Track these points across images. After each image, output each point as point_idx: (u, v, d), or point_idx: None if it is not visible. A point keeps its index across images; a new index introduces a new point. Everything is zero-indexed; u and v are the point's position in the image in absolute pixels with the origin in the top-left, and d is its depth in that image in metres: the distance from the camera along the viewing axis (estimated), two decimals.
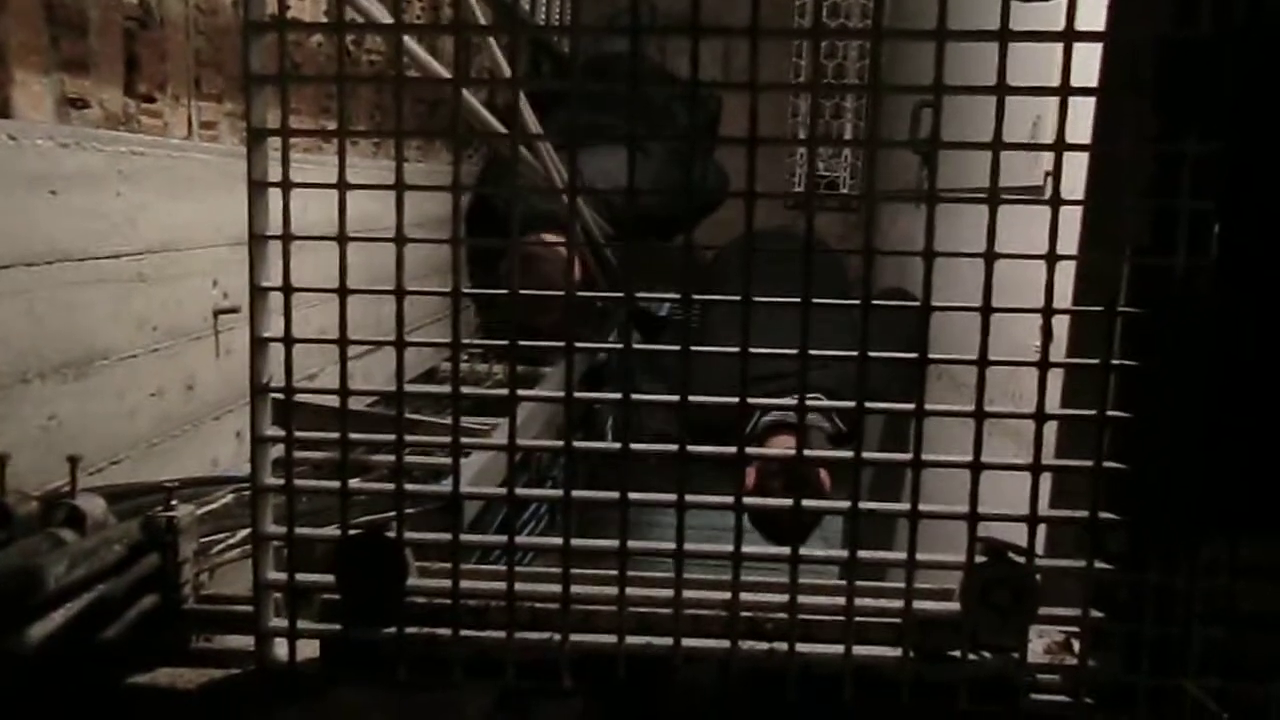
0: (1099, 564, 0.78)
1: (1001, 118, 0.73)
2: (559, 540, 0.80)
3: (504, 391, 0.80)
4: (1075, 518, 0.79)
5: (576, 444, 0.81)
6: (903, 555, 0.78)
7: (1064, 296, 1.17)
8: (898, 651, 0.80)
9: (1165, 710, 0.78)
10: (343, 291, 0.78)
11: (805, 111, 4.21)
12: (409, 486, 0.81)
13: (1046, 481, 0.78)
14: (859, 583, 0.80)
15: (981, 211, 0.74)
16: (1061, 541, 1.03)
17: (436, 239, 0.79)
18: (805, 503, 0.79)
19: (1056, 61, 0.74)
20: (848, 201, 4.34)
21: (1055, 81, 0.73)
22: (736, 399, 0.78)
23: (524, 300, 0.78)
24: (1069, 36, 0.73)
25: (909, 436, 0.81)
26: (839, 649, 0.79)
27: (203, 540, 0.93)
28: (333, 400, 0.81)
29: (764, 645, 0.82)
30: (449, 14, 2.81)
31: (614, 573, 0.80)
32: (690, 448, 0.78)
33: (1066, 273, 0.95)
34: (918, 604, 0.79)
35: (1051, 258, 0.75)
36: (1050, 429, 0.78)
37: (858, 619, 0.80)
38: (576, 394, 0.80)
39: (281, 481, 0.80)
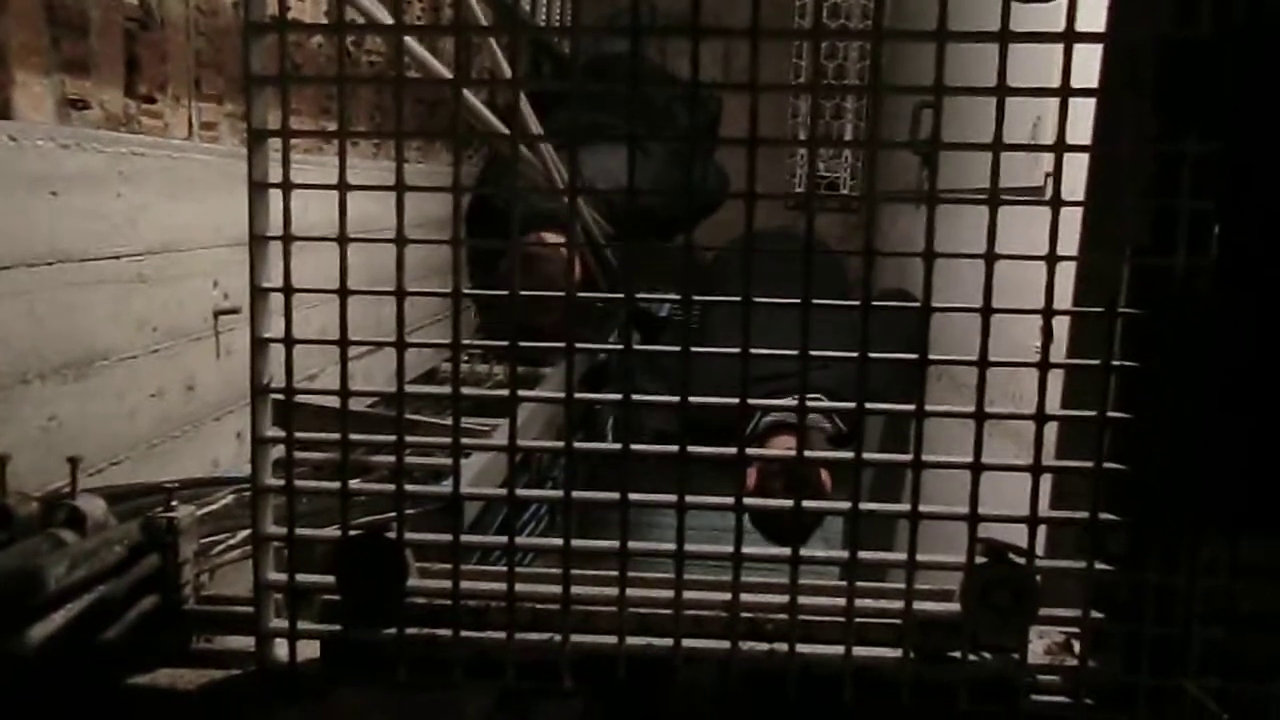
0: (1099, 565, 0.78)
1: (1002, 119, 0.73)
2: (559, 541, 0.80)
3: (504, 392, 0.80)
4: (1075, 519, 0.79)
5: (577, 445, 0.81)
6: (903, 556, 0.78)
7: (1064, 297, 1.17)
8: (898, 652, 0.80)
9: (1165, 710, 0.78)
10: (343, 292, 0.78)
11: (805, 112, 4.21)
12: (409, 487, 0.81)
13: (1046, 482, 0.78)
14: (859, 583, 0.80)
15: (982, 212, 0.74)
16: (1062, 542, 1.03)
17: (437, 240, 0.79)
18: (805, 503, 0.79)
19: (1057, 62, 0.74)
20: (848, 202, 4.34)
21: (1056, 82, 0.73)
22: (737, 399, 0.78)
23: (524, 301, 0.78)
24: (1069, 37, 0.73)
25: (909, 437, 0.81)
26: (839, 650, 0.79)
27: (203, 541, 0.93)
28: (333, 401, 0.81)
29: (764, 646, 0.82)
30: (449, 14, 2.82)
31: (614, 573, 0.80)
32: (690, 448, 0.78)
33: (1067, 273, 0.95)
34: (918, 605, 0.79)
35: (1052, 258, 0.75)
36: (1050, 430, 0.78)
37: (858, 620, 0.80)
38: (577, 395, 0.80)
39: (282, 482, 0.80)
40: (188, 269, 1.51)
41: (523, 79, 1.23)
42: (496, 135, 1.96)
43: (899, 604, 0.80)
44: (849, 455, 0.80)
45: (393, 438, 0.80)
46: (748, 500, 0.79)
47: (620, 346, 0.80)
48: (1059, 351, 1.22)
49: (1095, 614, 0.79)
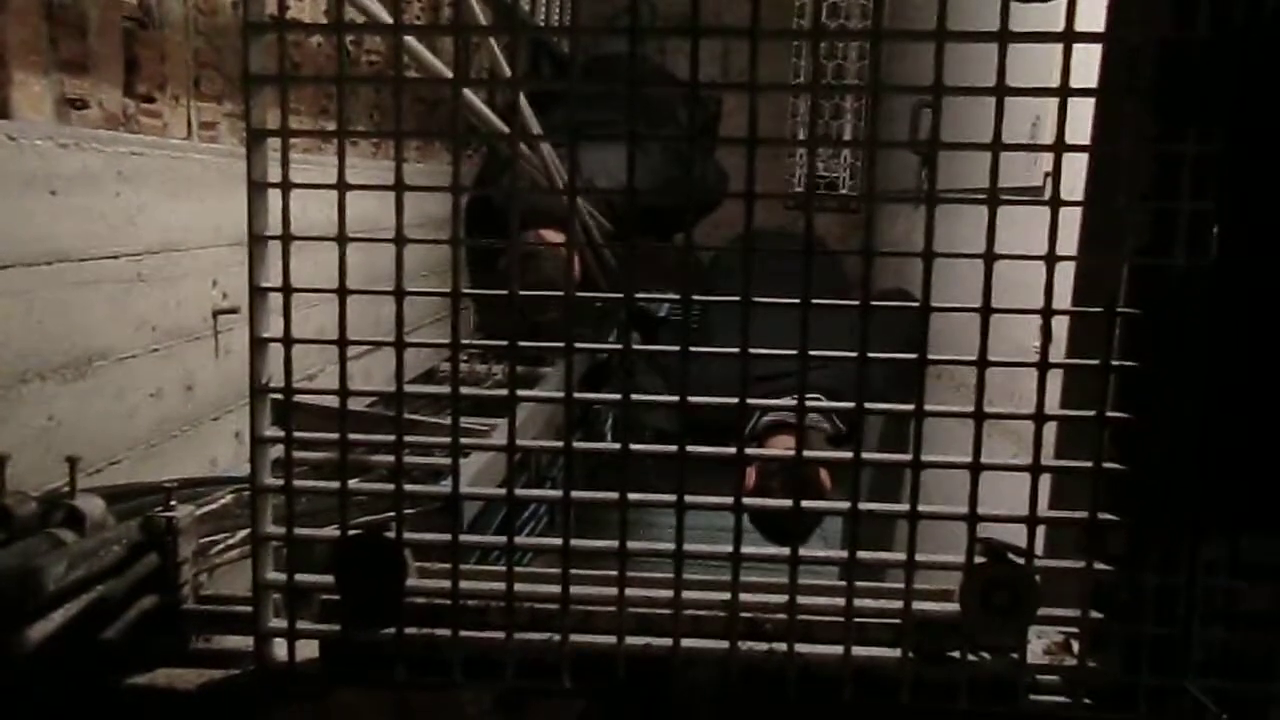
0: (1098, 565, 0.78)
1: (1001, 119, 0.73)
2: (558, 541, 0.80)
3: (503, 392, 0.80)
4: (1075, 519, 0.79)
5: (576, 444, 0.81)
6: (902, 556, 0.78)
7: (1063, 297, 1.17)
8: (897, 652, 0.80)
9: (1165, 710, 0.78)
10: (342, 292, 0.78)
11: (805, 112, 4.21)
12: (408, 487, 0.81)
13: (1046, 482, 0.78)
14: (858, 583, 0.80)
15: (981, 212, 0.74)
16: (1061, 542, 1.03)
17: (436, 239, 0.79)
18: (805, 503, 0.79)
19: (1056, 62, 0.74)
20: (847, 202, 4.34)
21: (1055, 82, 0.73)
22: (736, 399, 0.78)
23: (524, 301, 0.78)
24: (1069, 37, 0.73)
25: (909, 437, 0.81)
26: (839, 650, 0.79)
27: (202, 541, 0.93)
28: (332, 400, 0.81)
29: (764, 646, 0.82)
30: (449, 14, 2.81)
31: (613, 573, 0.80)
32: (690, 448, 0.78)
33: (1066, 274, 0.95)
34: (917, 605, 0.79)
35: (1051, 258, 0.75)
36: (1050, 430, 0.78)
37: (857, 620, 0.80)
38: (576, 394, 0.80)
39: (281, 482, 0.80)
40: (187, 268, 1.51)
41: (522, 79, 1.23)
42: (496, 135, 1.95)
43: (898, 604, 0.80)
44: (848, 455, 0.80)
45: (392, 437, 0.79)
46: (747, 500, 0.79)
47: (620, 346, 0.80)
48: (1058, 351, 1.22)
49: (1095, 614, 0.79)
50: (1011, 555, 0.77)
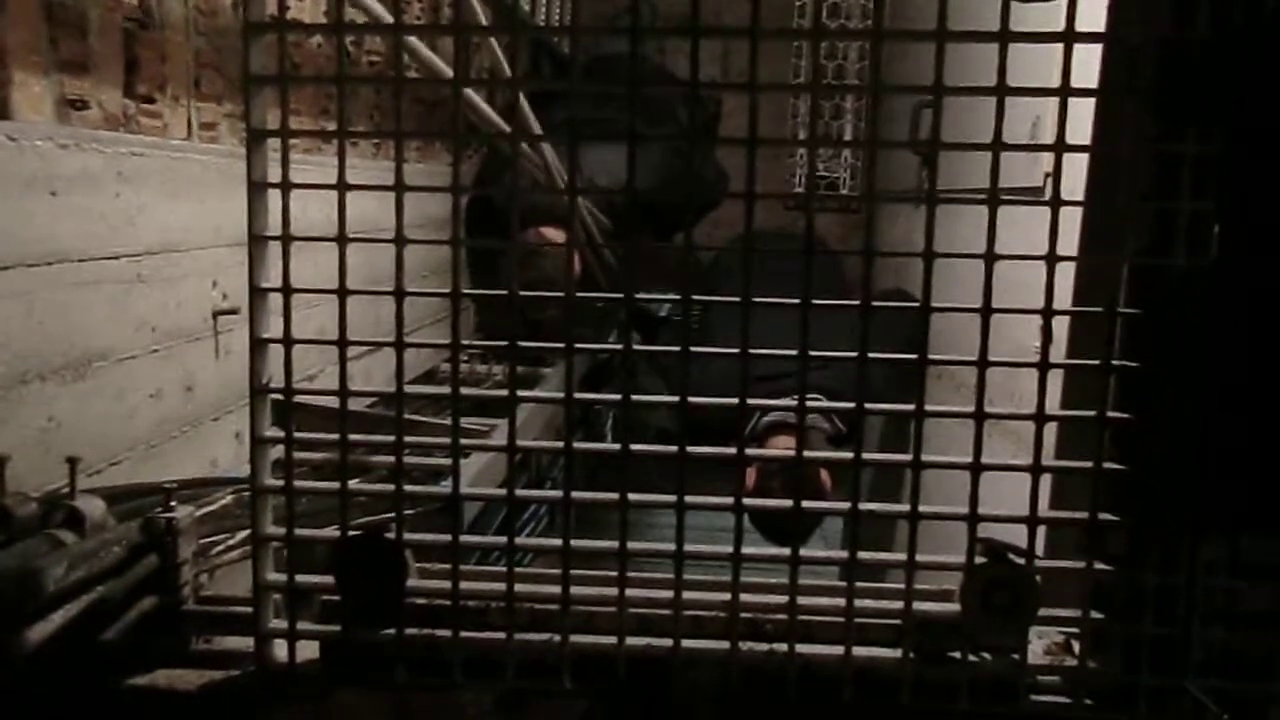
0: (1099, 565, 0.78)
1: (1001, 118, 0.73)
2: (559, 541, 0.80)
3: (504, 392, 0.80)
4: (1075, 519, 0.79)
5: (576, 445, 0.81)
6: (902, 556, 0.78)
7: (1064, 297, 1.17)
8: (898, 652, 0.79)
9: (1165, 710, 0.78)
10: (342, 292, 0.78)
11: (805, 112, 4.21)
12: (408, 487, 0.81)
13: (1046, 482, 0.77)
14: (859, 584, 0.80)
15: (981, 212, 0.74)
16: (1061, 542, 1.03)
17: (436, 240, 0.79)
18: (805, 504, 0.79)
19: (1057, 62, 0.74)
20: (847, 202, 4.34)
21: (1056, 82, 0.73)
22: (736, 399, 0.78)
23: (523, 301, 0.78)
24: (1069, 37, 0.73)
25: (909, 437, 0.81)
26: (839, 650, 0.79)
27: (202, 541, 0.93)
28: (332, 401, 0.81)
29: (764, 646, 0.81)
30: (449, 14, 2.81)
31: (614, 574, 0.80)
32: (690, 448, 0.78)
33: (1066, 274, 0.95)
34: (918, 605, 0.79)
35: (1051, 259, 0.75)
36: (1050, 430, 0.78)
37: (858, 620, 0.80)
38: (576, 395, 0.80)
39: (281, 482, 0.80)
40: (187, 269, 1.51)
41: (522, 78, 1.23)
42: (496, 134, 1.95)
43: (899, 604, 0.80)
44: (848, 455, 0.80)
45: (392, 438, 0.79)
46: (747, 500, 0.79)
47: (620, 346, 0.80)
48: (1059, 351, 1.22)
49: (1095, 614, 0.79)
50: (1012, 555, 0.77)
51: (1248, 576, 0.78)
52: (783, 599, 0.80)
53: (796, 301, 0.76)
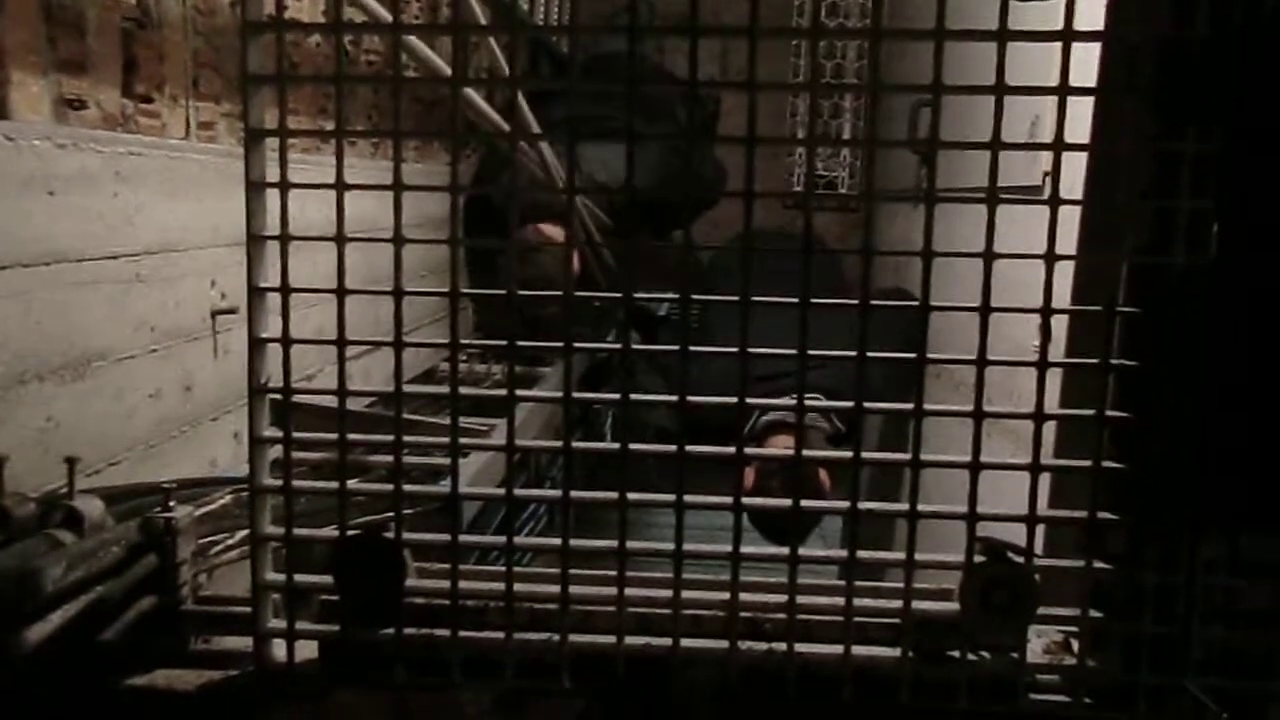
0: (1098, 564, 0.78)
1: (1000, 117, 0.73)
2: (558, 541, 0.79)
3: (502, 392, 0.80)
4: (1074, 518, 0.79)
5: (575, 444, 0.81)
6: (902, 555, 0.78)
7: (1063, 296, 1.17)
8: (897, 652, 0.79)
9: (1165, 710, 0.78)
10: (341, 292, 0.78)
11: (804, 111, 4.21)
12: (407, 487, 0.81)
13: (1045, 481, 0.77)
14: (858, 583, 0.80)
15: (980, 211, 0.74)
16: (1061, 541, 1.03)
17: (435, 239, 0.79)
18: (804, 503, 0.79)
19: (1056, 61, 0.74)
20: (846, 201, 4.34)
21: (1055, 81, 0.73)
22: (735, 398, 0.78)
23: (522, 300, 0.78)
24: (1068, 36, 0.73)
25: (908, 436, 0.81)
26: (838, 649, 0.79)
27: (201, 541, 0.93)
28: (331, 401, 0.81)
29: (763, 645, 0.81)
30: (448, 13, 2.81)
31: (613, 573, 0.80)
32: (689, 448, 0.78)
33: (1065, 272, 0.95)
34: (917, 604, 0.79)
35: (1050, 257, 0.75)
36: (1049, 429, 0.78)
37: (857, 619, 0.80)
38: (575, 394, 0.80)
39: (280, 482, 0.80)
40: (185, 269, 1.51)
41: (522, 78, 1.23)
42: (496, 133, 1.95)
43: (898, 603, 0.80)
44: (848, 455, 0.80)
45: (391, 437, 0.79)
46: (746, 500, 0.79)
47: (619, 346, 0.80)
48: (1058, 350, 1.22)
49: (1094, 613, 0.79)
50: (1011, 554, 0.77)
51: (1247, 575, 0.78)
52: (782, 598, 0.80)
53: (795, 301, 0.76)
